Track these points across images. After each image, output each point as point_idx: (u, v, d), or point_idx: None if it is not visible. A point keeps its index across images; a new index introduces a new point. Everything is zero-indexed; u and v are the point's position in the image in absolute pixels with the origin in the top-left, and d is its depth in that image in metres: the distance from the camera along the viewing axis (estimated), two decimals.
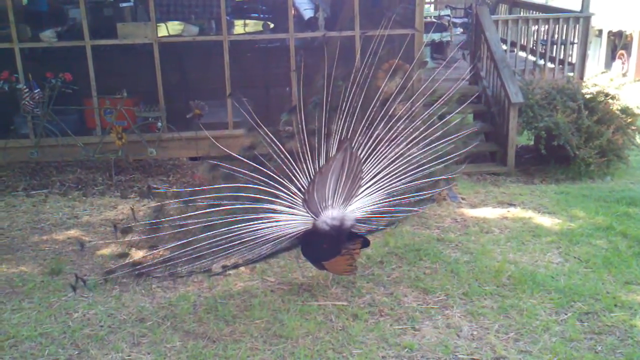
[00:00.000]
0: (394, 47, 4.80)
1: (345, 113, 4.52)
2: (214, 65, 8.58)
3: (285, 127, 4.50)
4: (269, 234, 4.36)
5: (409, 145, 4.67)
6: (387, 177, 4.62)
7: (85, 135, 8.38)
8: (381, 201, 4.64)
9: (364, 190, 4.53)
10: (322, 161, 4.43)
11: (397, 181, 4.65)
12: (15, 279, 5.09)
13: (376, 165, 4.57)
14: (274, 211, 4.34)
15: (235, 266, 4.76)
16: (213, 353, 4.04)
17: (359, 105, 4.54)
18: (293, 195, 4.36)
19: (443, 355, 4.01)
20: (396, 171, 4.64)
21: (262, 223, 4.32)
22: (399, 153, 4.64)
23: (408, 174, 4.68)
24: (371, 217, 4.67)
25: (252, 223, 4.29)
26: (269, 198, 4.33)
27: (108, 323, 4.41)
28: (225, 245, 4.30)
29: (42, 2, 10.21)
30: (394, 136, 4.61)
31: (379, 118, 4.58)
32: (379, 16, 8.42)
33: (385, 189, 4.62)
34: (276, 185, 4.34)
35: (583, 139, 7.57)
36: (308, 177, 4.39)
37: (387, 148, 4.60)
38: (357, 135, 4.52)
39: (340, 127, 4.51)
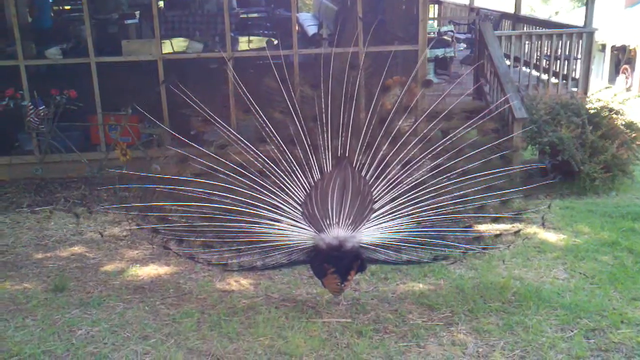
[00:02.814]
0: (388, 61, 4.68)
1: (330, 127, 4.40)
2: (218, 82, 8.61)
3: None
4: (275, 240, 4.44)
5: (432, 173, 4.46)
6: (410, 204, 4.42)
7: (89, 152, 8.40)
8: (407, 230, 4.45)
9: (380, 216, 4.41)
10: (317, 176, 4.42)
11: (426, 210, 4.44)
12: (19, 295, 5.08)
13: (390, 190, 4.41)
14: (277, 220, 4.40)
15: (252, 268, 4.78)
16: None
17: (350, 121, 4.40)
18: (292, 207, 4.40)
19: None
20: (421, 200, 4.42)
21: (266, 227, 4.41)
22: (419, 180, 4.44)
23: (441, 205, 4.46)
24: (400, 245, 4.53)
25: (252, 224, 4.41)
26: (264, 205, 4.39)
27: (112, 340, 4.39)
28: (231, 240, 4.52)
29: (47, 20, 10.31)
30: (405, 160, 4.42)
31: (379, 137, 4.40)
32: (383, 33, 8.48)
33: (411, 217, 4.43)
34: (262, 190, 4.39)
35: (587, 154, 7.55)
36: (304, 191, 4.41)
37: (400, 173, 4.42)
38: (357, 154, 4.41)
39: (326, 141, 4.40)
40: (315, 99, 4.42)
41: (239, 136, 4.48)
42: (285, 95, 4.40)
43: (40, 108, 7.76)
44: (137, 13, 11.58)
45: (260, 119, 4.44)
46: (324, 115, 4.40)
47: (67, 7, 13.65)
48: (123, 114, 7.95)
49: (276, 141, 4.43)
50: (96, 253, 5.96)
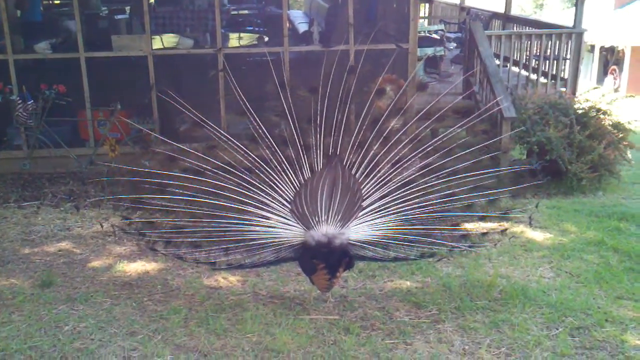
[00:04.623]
0: (383, 62, 4.71)
1: (324, 127, 4.41)
2: (208, 78, 8.59)
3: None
4: (264, 238, 4.46)
5: (421, 172, 4.48)
6: (398, 202, 4.45)
7: (78, 147, 8.36)
8: (395, 227, 4.48)
9: (369, 213, 4.43)
10: (307, 174, 4.44)
11: (414, 209, 4.46)
12: (5, 291, 5.06)
13: (379, 189, 4.44)
14: (266, 217, 4.42)
15: (240, 266, 4.81)
16: None
17: (343, 121, 4.41)
18: (281, 205, 4.41)
19: None
20: (409, 198, 4.45)
21: (254, 226, 4.42)
22: (409, 179, 4.47)
23: (430, 203, 4.48)
24: (387, 242, 4.55)
25: (241, 222, 4.42)
26: (253, 202, 4.41)
27: (98, 336, 4.38)
28: (219, 239, 4.52)
29: (36, 14, 10.24)
30: (395, 159, 4.45)
31: (371, 137, 4.42)
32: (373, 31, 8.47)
33: (398, 215, 4.46)
34: (251, 188, 4.40)
35: (575, 154, 7.60)
36: (293, 188, 4.43)
37: (390, 171, 4.45)
38: (348, 153, 4.43)
39: (320, 141, 4.42)
40: (311, 101, 4.44)
41: (229, 137, 4.48)
42: (282, 99, 4.42)
43: (29, 103, 7.74)
44: (127, 8, 11.54)
45: (254, 121, 4.45)
46: (318, 116, 4.42)
47: (57, 2, 13.56)
48: (112, 109, 7.92)
49: (268, 141, 4.45)
50: (83, 249, 5.94)
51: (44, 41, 8.74)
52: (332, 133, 4.43)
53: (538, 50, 10.08)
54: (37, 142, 8.01)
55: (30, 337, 4.38)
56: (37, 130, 7.87)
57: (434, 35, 12.15)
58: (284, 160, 4.43)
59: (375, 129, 4.45)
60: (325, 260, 4.36)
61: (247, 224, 4.44)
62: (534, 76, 10.09)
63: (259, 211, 4.42)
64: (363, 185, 4.43)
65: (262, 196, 4.41)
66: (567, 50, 9.95)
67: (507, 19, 12.63)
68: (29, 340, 4.33)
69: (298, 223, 4.41)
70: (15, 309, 4.78)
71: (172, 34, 10.12)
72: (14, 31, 8.38)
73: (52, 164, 8.16)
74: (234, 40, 11.45)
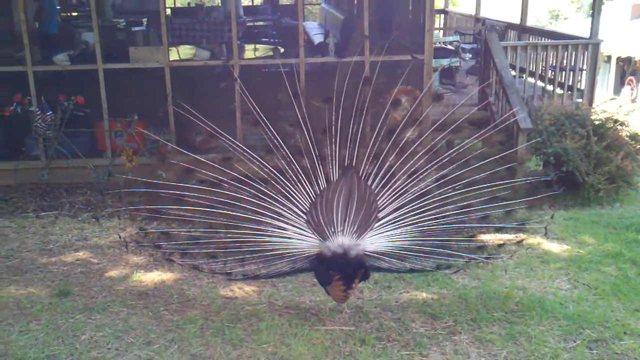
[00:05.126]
0: (398, 73, 4.72)
1: (339, 138, 4.42)
2: (224, 89, 8.64)
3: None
4: (280, 249, 4.47)
5: (437, 183, 4.49)
6: (415, 214, 4.45)
7: (95, 158, 8.44)
8: (411, 239, 4.48)
9: (385, 224, 4.44)
10: (323, 185, 4.44)
11: (430, 220, 4.47)
12: (24, 300, 5.10)
13: (395, 200, 4.44)
14: (282, 228, 4.43)
15: (255, 277, 4.81)
16: None
17: (358, 132, 4.41)
18: (297, 215, 4.42)
19: None
20: (425, 209, 4.45)
21: (270, 236, 4.44)
22: (424, 190, 4.47)
23: (445, 214, 4.50)
24: (403, 253, 4.54)
25: (257, 232, 4.44)
26: (269, 213, 4.42)
27: (115, 346, 4.41)
28: (235, 249, 4.52)
29: (53, 26, 10.39)
30: (411, 170, 4.45)
31: (387, 148, 4.43)
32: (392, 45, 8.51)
33: (414, 226, 4.46)
34: (267, 198, 4.42)
35: (592, 165, 7.55)
36: (309, 199, 4.43)
37: (406, 182, 4.45)
38: (364, 163, 4.43)
39: (335, 151, 4.43)
40: (326, 111, 4.45)
41: (245, 148, 4.51)
42: (297, 109, 4.43)
43: (48, 114, 7.83)
44: (144, 20, 11.68)
45: (268, 131, 4.48)
46: (333, 127, 4.43)
47: (74, 14, 13.73)
48: (129, 120, 7.99)
49: (283, 152, 4.46)
50: (101, 258, 5.99)
51: (62, 53, 8.85)
52: (348, 144, 4.44)
53: (554, 61, 10.05)
54: (55, 153, 8.10)
55: (48, 345, 4.41)
56: (55, 141, 7.96)
57: (449, 46, 12.16)
58: (299, 170, 4.44)
59: (391, 140, 4.45)
60: (341, 271, 4.36)
61: (263, 235, 4.46)
62: (550, 87, 10.06)
63: (275, 222, 4.43)
64: (379, 197, 4.44)
65: (278, 207, 4.43)
66: (583, 61, 9.91)
67: (522, 29, 12.62)
68: (47, 349, 4.37)
69: (314, 234, 4.41)
70: (33, 318, 4.82)
71: (188, 46, 10.21)
72: (32, 43, 8.49)
73: (70, 175, 8.23)
74: (249, 51, 11.53)
